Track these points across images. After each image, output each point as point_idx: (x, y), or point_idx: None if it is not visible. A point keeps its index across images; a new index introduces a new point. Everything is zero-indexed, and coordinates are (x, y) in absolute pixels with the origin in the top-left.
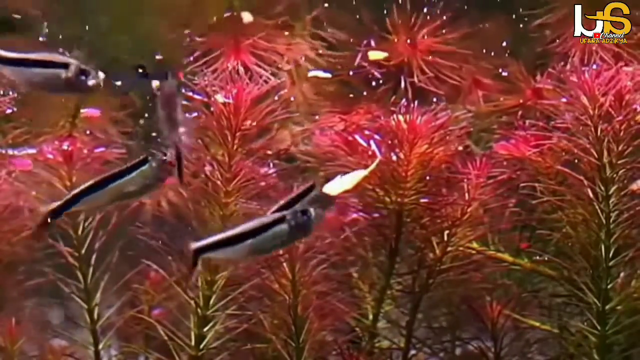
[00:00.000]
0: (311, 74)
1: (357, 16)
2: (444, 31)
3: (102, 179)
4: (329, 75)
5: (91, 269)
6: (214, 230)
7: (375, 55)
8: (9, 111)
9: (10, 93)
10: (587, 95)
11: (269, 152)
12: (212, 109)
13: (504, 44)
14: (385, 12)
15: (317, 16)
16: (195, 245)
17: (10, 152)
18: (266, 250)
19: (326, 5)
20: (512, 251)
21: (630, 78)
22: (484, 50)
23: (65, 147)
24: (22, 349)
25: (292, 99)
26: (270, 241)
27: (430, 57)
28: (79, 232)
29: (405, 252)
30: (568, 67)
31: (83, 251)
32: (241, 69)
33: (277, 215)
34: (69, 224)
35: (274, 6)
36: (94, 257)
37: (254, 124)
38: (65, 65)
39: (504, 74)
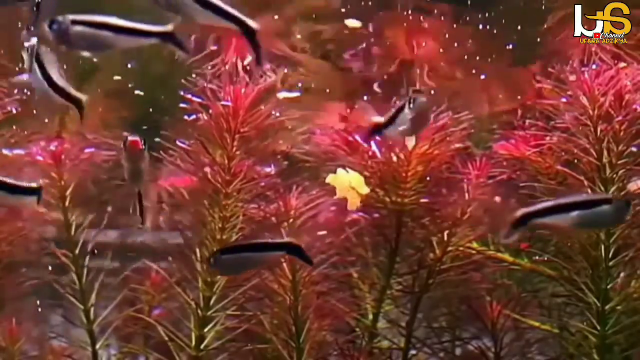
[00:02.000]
0: (281, 95)
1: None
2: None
3: None
4: (298, 94)
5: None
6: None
7: (351, 23)
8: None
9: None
10: (586, 95)
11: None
12: (210, 111)
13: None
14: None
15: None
16: (523, 210)
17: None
18: (588, 225)
19: None
20: (512, 251)
21: (630, 78)
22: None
23: (53, 148)
24: (22, 349)
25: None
26: (594, 217)
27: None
28: (72, 232)
29: (405, 252)
30: (568, 67)
31: (77, 251)
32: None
33: (604, 195)
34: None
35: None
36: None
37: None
38: None
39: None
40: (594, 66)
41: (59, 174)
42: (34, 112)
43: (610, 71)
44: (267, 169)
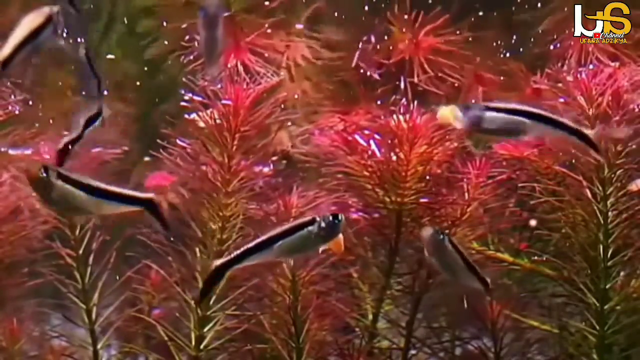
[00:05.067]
0: None
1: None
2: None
3: None
4: None
5: (89, 269)
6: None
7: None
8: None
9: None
10: (584, 96)
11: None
12: (211, 110)
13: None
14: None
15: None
16: None
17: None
18: None
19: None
20: (512, 251)
21: (628, 78)
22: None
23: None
24: (22, 349)
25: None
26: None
27: (431, 56)
28: (76, 232)
29: (405, 252)
30: (565, 67)
31: (80, 251)
32: (240, 69)
33: None
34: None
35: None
36: (91, 257)
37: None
38: None
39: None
40: (591, 66)
41: None
42: None
43: (607, 71)
44: (266, 169)
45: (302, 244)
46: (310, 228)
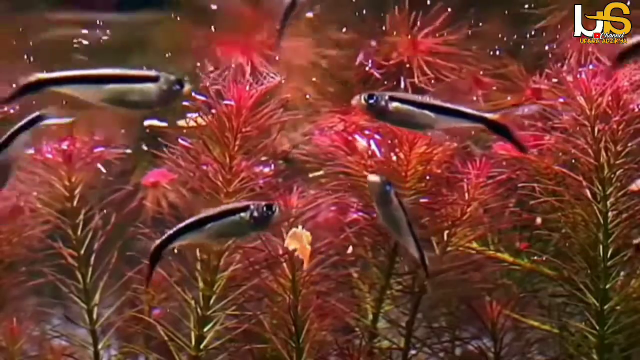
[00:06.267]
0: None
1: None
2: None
3: None
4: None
5: (90, 269)
6: None
7: None
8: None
9: None
10: (583, 96)
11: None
12: (213, 110)
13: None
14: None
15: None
16: None
17: None
18: None
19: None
20: (512, 251)
21: (628, 78)
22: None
23: (64, 147)
24: (22, 349)
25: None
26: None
27: (430, 57)
28: (78, 232)
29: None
30: (565, 67)
31: (82, 251)
32: (242, 70)
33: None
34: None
35: None
36: (92, 257)
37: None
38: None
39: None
40: (590, 66)
41: (68, 173)
42: None
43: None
44: (267, 169)
45: (232, 229)
46: (242, 214)
